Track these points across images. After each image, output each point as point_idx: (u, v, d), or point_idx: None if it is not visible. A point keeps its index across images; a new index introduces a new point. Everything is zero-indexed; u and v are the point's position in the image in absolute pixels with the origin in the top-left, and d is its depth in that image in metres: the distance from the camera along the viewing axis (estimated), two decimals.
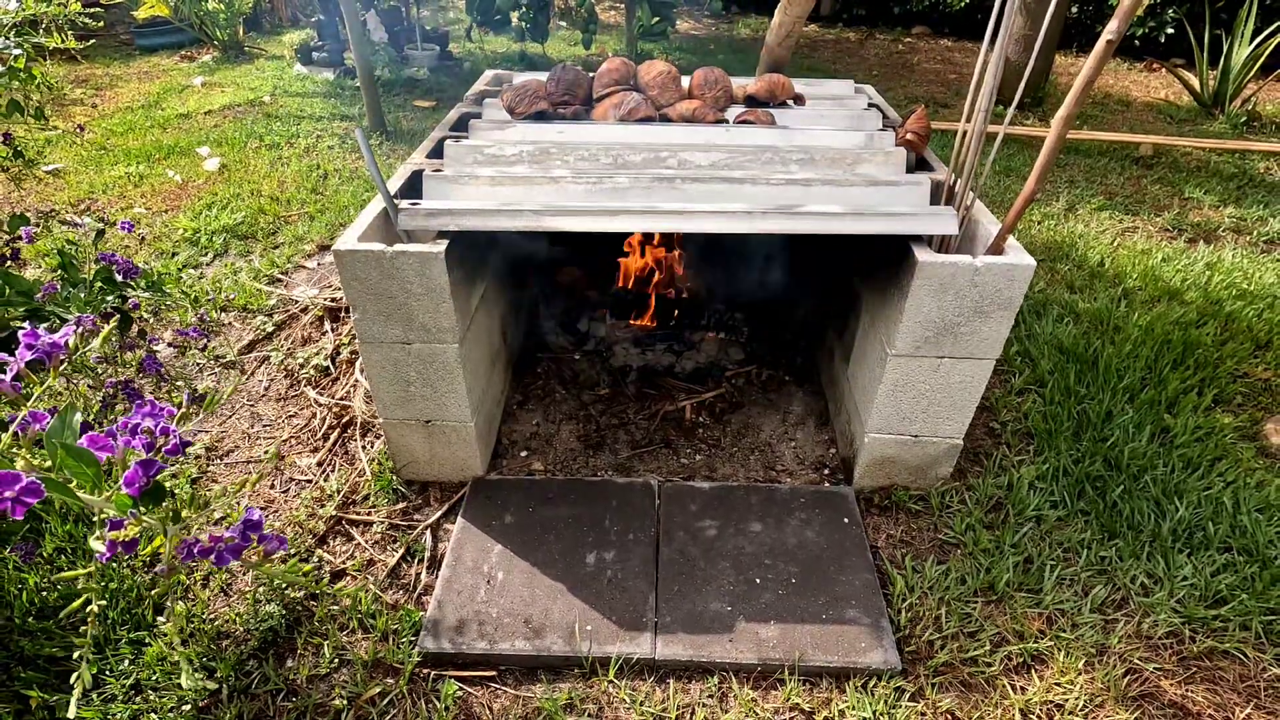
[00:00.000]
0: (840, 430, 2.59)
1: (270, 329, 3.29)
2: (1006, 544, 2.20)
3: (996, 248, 1.94)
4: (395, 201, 1.99)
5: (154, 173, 4.95)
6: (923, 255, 1.91)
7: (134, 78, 7.36)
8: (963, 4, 8.90)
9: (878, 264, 2.22)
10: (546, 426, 2.72)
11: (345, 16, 5.20)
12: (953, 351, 2.05)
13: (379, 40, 7.41)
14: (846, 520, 2.28)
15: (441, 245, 1.95)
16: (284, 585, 2.07)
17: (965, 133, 2.00)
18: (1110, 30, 1.59)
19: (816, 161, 2.21)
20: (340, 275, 1.99)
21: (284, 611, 2.01)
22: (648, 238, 3.00)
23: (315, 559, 2.19)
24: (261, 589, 2.08)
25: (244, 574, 2.16)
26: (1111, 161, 5.28)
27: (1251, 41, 5.79)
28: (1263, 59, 5.79)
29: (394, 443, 2.39)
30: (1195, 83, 6.26)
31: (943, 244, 2.05)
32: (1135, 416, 2.68)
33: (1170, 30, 7.61)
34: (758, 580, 2.08)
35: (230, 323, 3.40)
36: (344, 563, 2.21)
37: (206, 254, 3.95)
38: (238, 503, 2.28)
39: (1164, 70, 7.54)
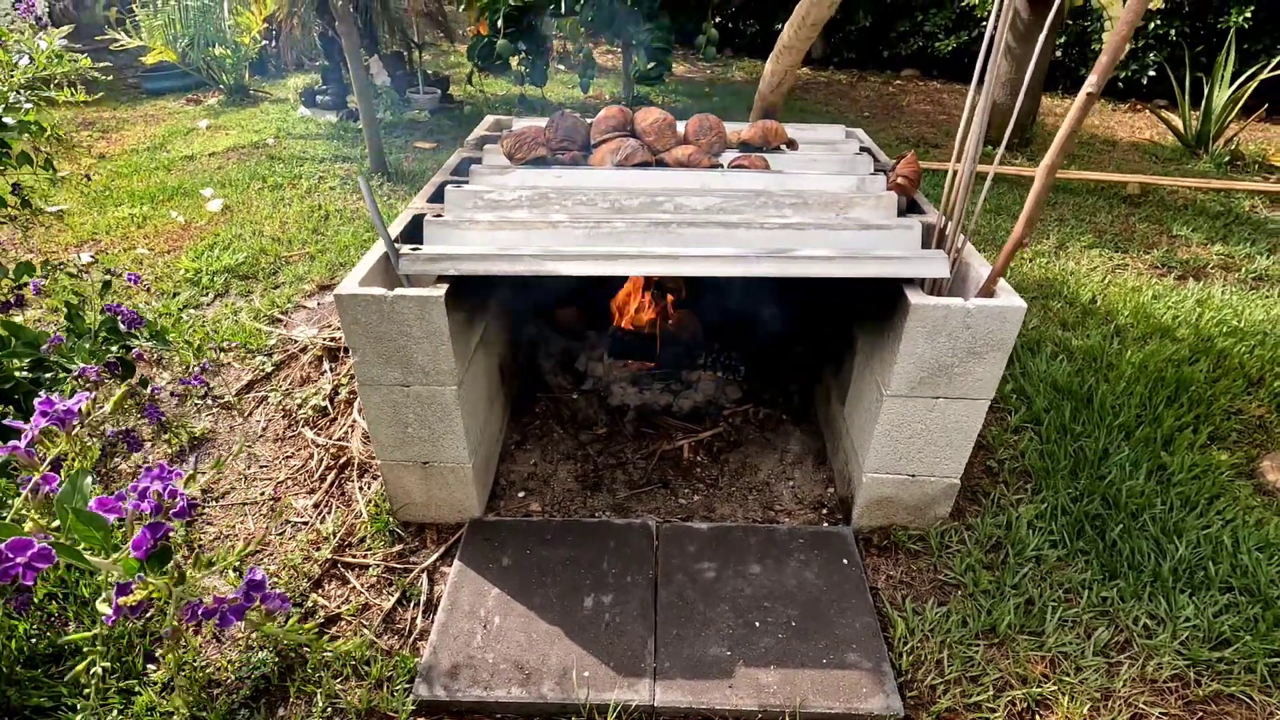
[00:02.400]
0: (838, 470, 2.59)
1: (269, 369, 3.30)
2: (1007, 585, 2.19)
3: (988, 290, 1.97)
4: (396, 246, 2.03)
5: (157, 214, 5.02)
6: (915, 298, 1.94)
7: (140, 120, 7.51)
8: (950, 49, 9.17)
9: (871, 305, 2.25)
10: (544, 467, 2.72)
11: (348, 61, 5.34)
12: (947, 392, 2.07)
13: (382, 84, 7.60)
14: (846, 561, 2.27)
15: (441, 289, 1.98)
16: (276, 632, 2.04)
17: (955, 173, 2.05)
18: (1090, 84, 1.64)
19: (810, 205, 2.26)
20: (340, 318, 2.01)
21: (276, 659, 1.98)
22: (646, 280, 3.05)
23: (310, 603, 2.17)
24: (255, 635, 2.05)
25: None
26: (1100, 200, 5.39)
27: (1230, 84, 5.96)
28: (1242, 101, 5.95)
29: (391, 484, 2.39)
30: (1179, 123, 6.42)
31: (935, 286, 2.08)
32: (1132, 454, 2.68)
33: (1152, 73, 7.83)
34: (757, 623, 2.06)
35: (229, 363, 3.41)
36: (339, 607, 2.18)
37: (208, 294, 3.99)
38: (237, 562, 2.26)
39: (1147, 111, 7.74)
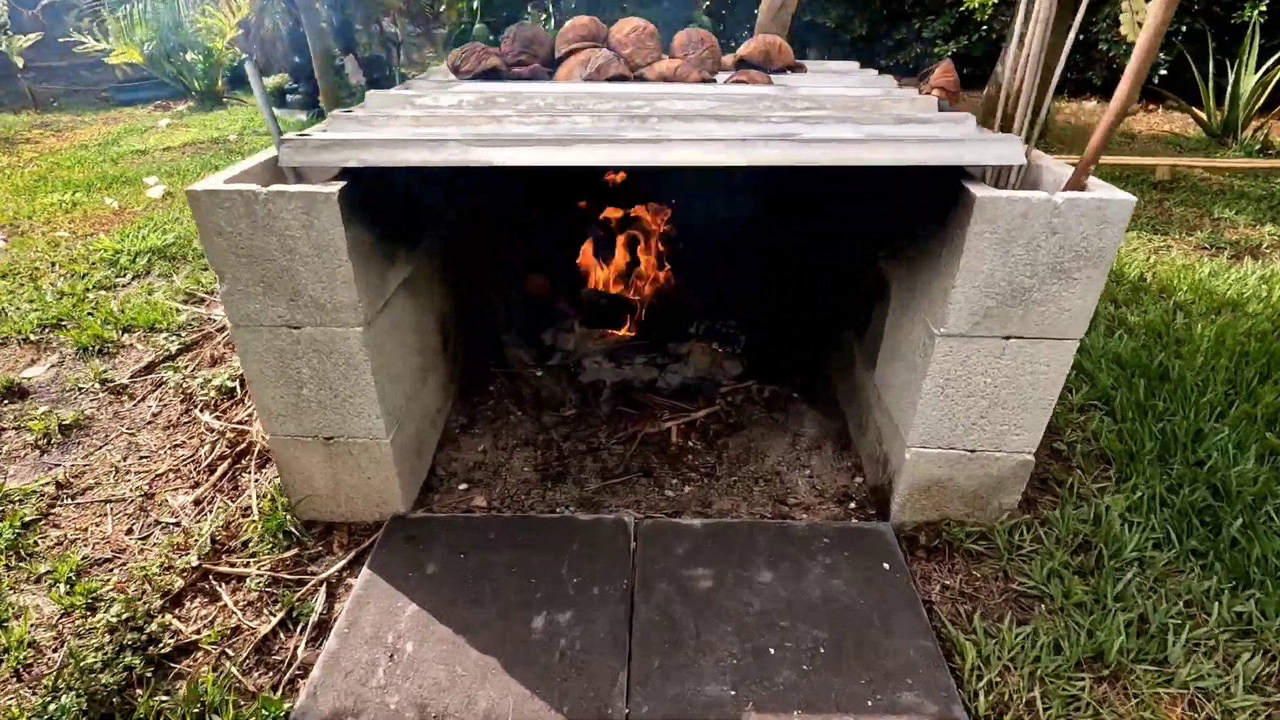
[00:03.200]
0: (867, 453, 2.04)
1: (175, 348, 2.75)
2: (1109, 597, 1.62)
3: (1076, 183, 1.46)
4: (280, 129, 1.51)
5: (90, 200, 4.52)
6: (980, 191, 1.42)
7: (99, 121, 7.09)
8: (949, 53, 8.88)
9: (914, 222, 1.73)
10: (496, 454, 2.15)
11: (315, 59, 4.96)
12: (1022, 329, 1.54)
13: (357, 83, 7.21)
14: (887, 565, 1.70)
15: (335, 186, 1.45)
16: (97, 668, 1.45)
17: (1020, 41, 1.55)
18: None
19: (827, 109, 1.76)
20: (200, 230, 1.48)
21: (86, 707, 1.38)
22: (624, 223, 2.53)
23: (154, 628, 1.58)
24: (68, 672, 1.46)
25: (50, 650, 1.55)
26: (1128, 186, 4.94)
27: (1256, 70, 5.61)
28: (1270, 88, 5.58)
29: (286, 468, 1.82)
30: (1203, 115, 6.05)
31: (999, 183, 1.57)
32: (1233, 435, 2.13)
33: (1163, 71, 7.53)
34: (771, 650, 1.48)
35: (132, 344, 2.86)
36: (197, 632, 1.60)
37: (125, 274, 3.45)
38: (71, 574, 1.68)
39: (1160, 110, 7.41)
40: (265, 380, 1.67)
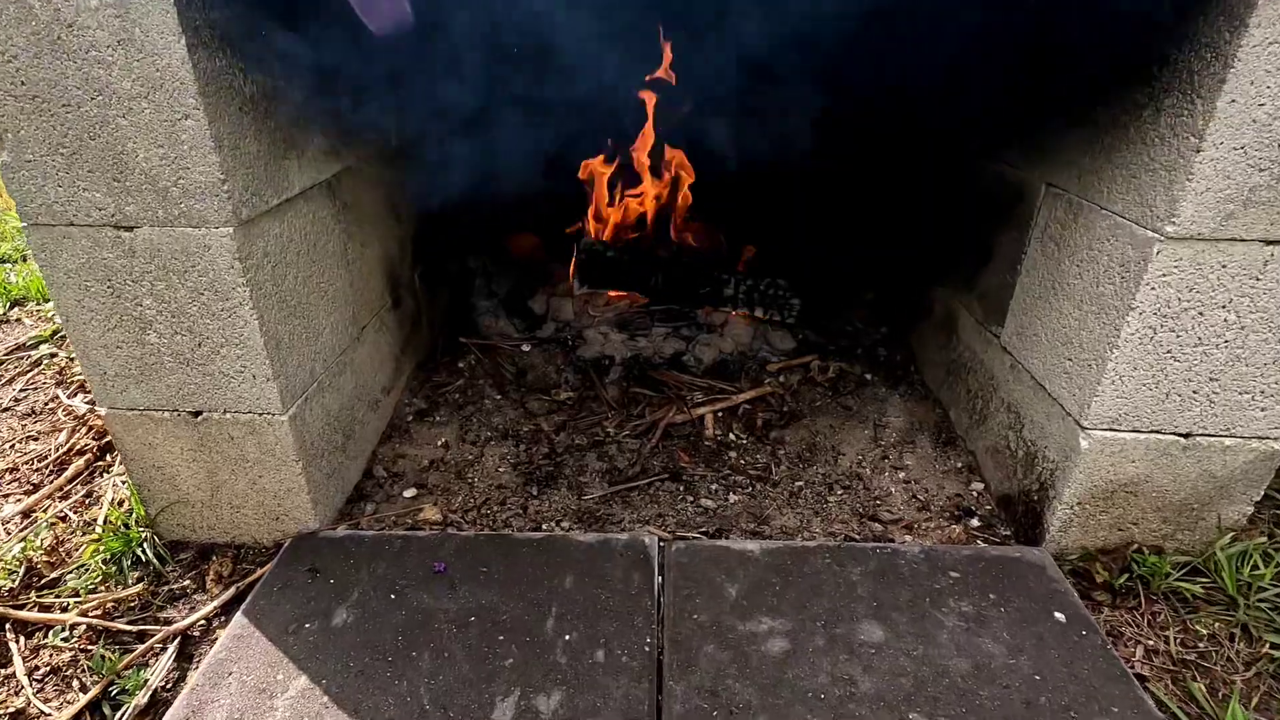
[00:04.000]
0: (990, 445, 1.42)
1: None
2: None
3: None
4: None
5: None
6: None
7: None
8: None
9: (1097, 65, 1.14)
10: (462, 449, 1.55)
11: None
12: None
13: None
14: (1061, 616, 1.07)
15: None
16: None
17: None
18: None
19: None
20: None
21: None
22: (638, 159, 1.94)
23: None
24: None
25: None
26: None
27: None
28: None
29: (135, 461, 1.21)
30: None
31: None
32: None
33: None
34: None
35: (20, 318, 2.28)
36: None
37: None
38: None
39: None
40: (88, 319, 1.07)
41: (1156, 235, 0.97)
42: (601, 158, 1.92)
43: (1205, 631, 1.10)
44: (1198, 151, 0.90)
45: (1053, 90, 1.24)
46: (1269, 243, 0.95)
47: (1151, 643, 1.09)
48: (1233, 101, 0.87)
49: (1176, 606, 1.14)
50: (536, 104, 1.78)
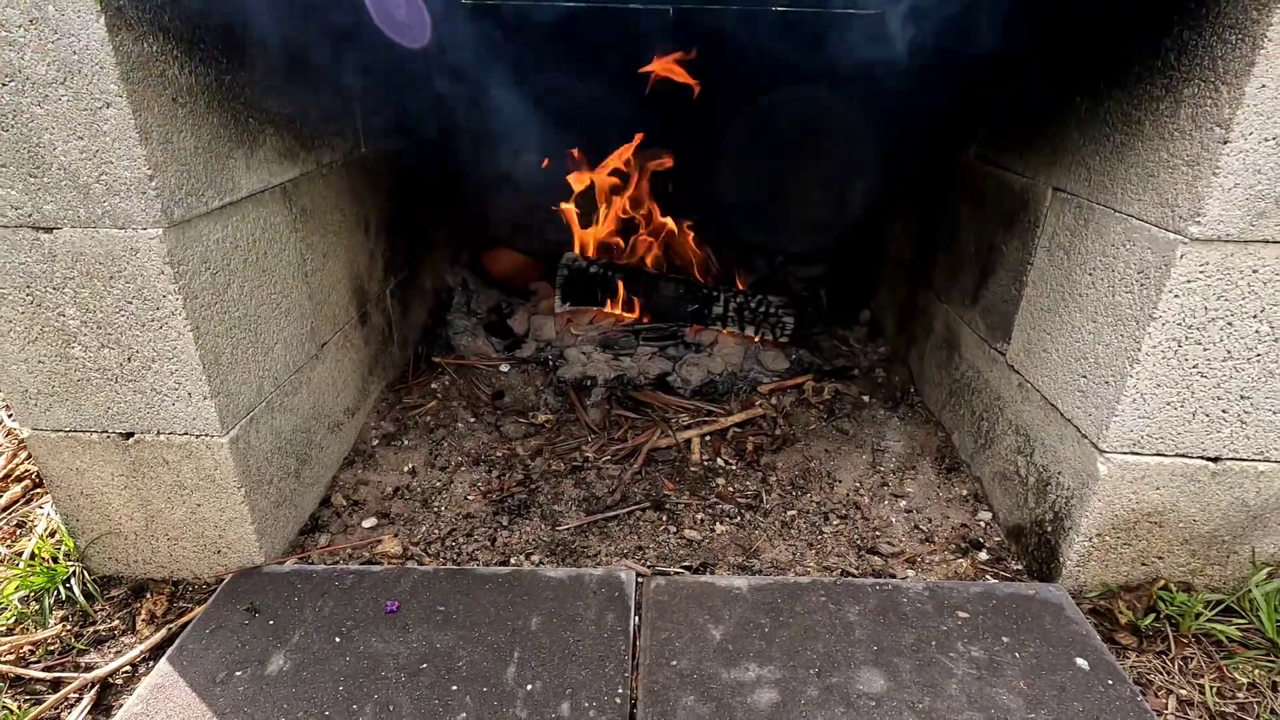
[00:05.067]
0: (998, 471, 1.31)
1: None
2: None
3: None
4: None
5: None
6: None
7: None
8: None
9: (1104, 61, 1.06)
10: (430, 476, 1.44)
11: None
12: None
13: None
14: (1084, 663, 0.96)
15: None
16: None
17: None
18: None
19: None
20: None
21: None
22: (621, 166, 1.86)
23: None
24: None
25: None
26: None
27: None
28: None
29: (61, 488, 1.11)
30: None
31: None
32: None
33: None
34: None
35: None
36: None
37: None
38: None
39: None
40: (5, 330, 0.98)
41: (1180, 237, 0.88)
42: (583, 170, 1.85)
43: (1244, 680, 0.98)
44: (1224, 143, 0.82)
45: (1059, 83, 1.16)
46: None
47: (1185, 692, 0.98)
48: (1263, 87, 0.78)
49: (1210, 651, 1.03)
50: (524, 112, 1.71)
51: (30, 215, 0.90)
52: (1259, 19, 0.77)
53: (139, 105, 0.85)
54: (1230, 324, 0.92)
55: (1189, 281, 0.90)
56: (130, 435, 1.05)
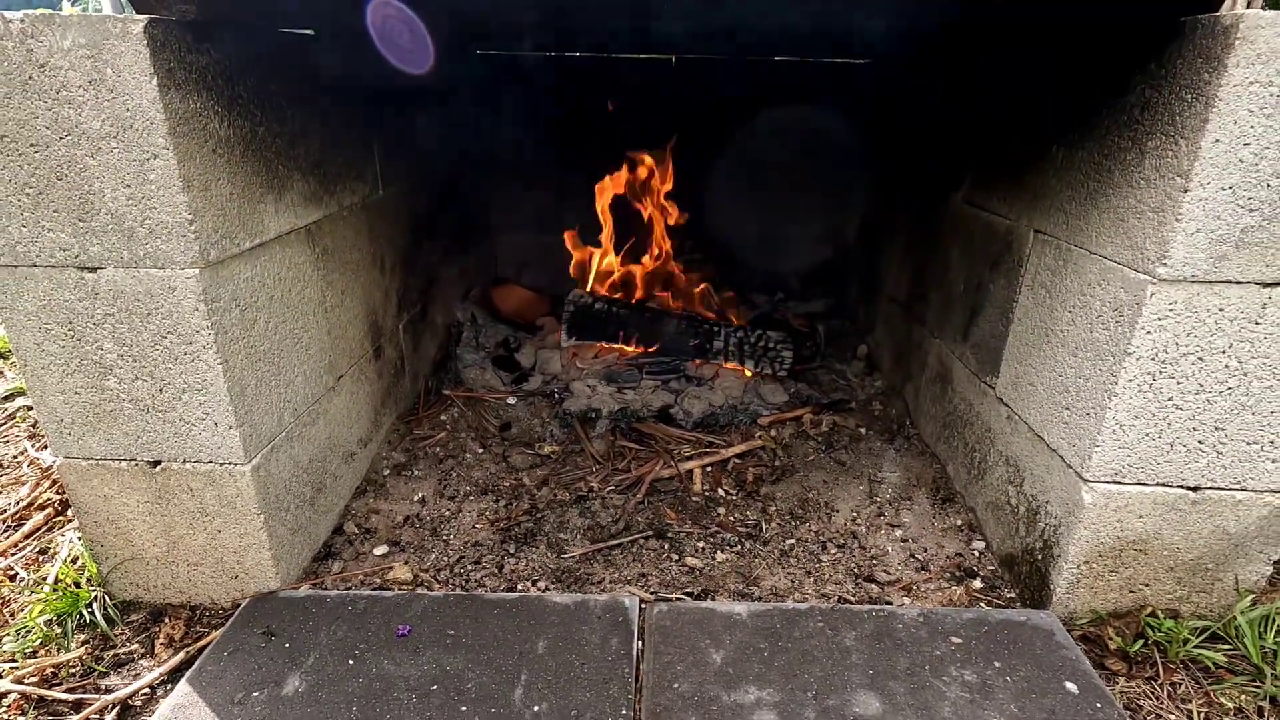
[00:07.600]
0: (990, 501, 1.36)
1: None
2: None
3: None
4: None
5: None
6: (1242, 9, 0.83)
7: None
8: None
9: (1078, 110, 1.13)
10: (439, 505, 1.48)
11: None
12: None
13: None
14: (1074, 688, 0.99)
15: (142, 18, 0.87)
16: None
17: None
18: None
19: None
20: None
21: None
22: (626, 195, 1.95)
23: None
24: None
25: None
26: None
27: None
28: None
29: (89, 514, 1.16)
30: None
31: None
32: None
33: None
34: None
35: (3, 370, 2.25)
36: None
37: None
38: None
39: None
40: (46, 363, 1.04)
41: (1149, 278, 0.94)
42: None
43: (1231, 705, 1.01)
44: (1185, 192, 0.88)
45: (1038, 132, 1.24)
46: (1266, 285, 0.92)
47: (1173, 718, 1.00)
48: (1217, 141, 0.85)
49: (1198, 676, 1.06)
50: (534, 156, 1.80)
51: (77, 256, 0.97)
52: (1210, 80, 0.84)
53: (183, 156, 0.92)
54: (1201, 359, 0.97)
55: (1160, 319, 0.95)
56: (158, 463, 1.11)
